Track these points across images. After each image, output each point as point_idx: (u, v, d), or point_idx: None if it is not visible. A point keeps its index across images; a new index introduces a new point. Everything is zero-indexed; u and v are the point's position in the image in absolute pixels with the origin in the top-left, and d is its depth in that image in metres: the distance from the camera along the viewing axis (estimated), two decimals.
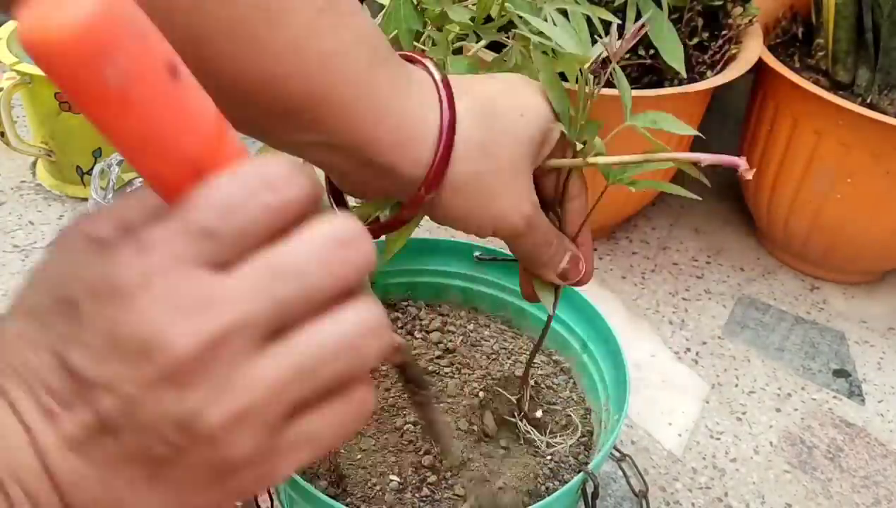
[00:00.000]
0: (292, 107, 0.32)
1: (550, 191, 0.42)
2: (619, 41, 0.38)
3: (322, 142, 0.33)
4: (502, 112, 0.36)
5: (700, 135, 0.46)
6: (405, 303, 0.59)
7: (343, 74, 0.32)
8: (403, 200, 0.37)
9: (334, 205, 0.40)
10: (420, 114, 0.34)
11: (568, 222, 0.42)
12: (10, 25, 0.85)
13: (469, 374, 0.54)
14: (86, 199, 0.88)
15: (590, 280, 0.43)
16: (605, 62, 0.40)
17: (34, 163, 0.92)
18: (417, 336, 0.57)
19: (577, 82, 0.40)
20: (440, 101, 0.35)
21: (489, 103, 0.36)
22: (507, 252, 0.49)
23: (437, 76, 0.35)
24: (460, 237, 0.54)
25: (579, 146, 0.41)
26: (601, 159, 0.41)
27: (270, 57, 0.30)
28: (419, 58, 0.37)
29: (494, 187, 0.36)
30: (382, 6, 0.54)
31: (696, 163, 0.38)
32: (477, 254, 0.58)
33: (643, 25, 0.38)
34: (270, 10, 0.29)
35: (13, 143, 0.83)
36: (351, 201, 0.42)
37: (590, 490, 0.45)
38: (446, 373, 0.54)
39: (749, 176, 0.36)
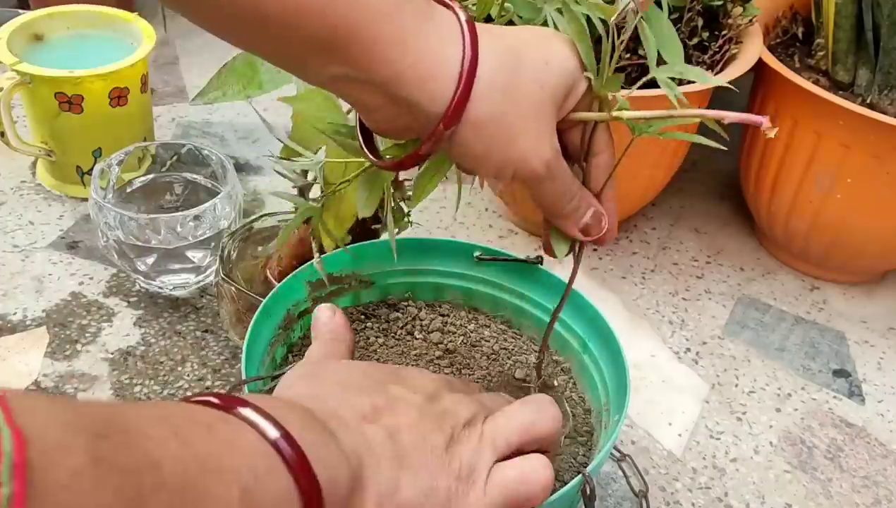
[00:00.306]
0: (324, 40, 0.34)
1: (576, 146, 0.42)
2: None
3: (352, 77, 0.35)
4: (528, 60, 0.37)
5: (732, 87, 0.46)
6: (405, 303, 0.59)
7: (371, 9, 0.33)
8: (422, 134, 0.37)
9: (363, 145, 0.41)
10: (442, 51, 0.35)
11: (593, 177, 0.42)
12: (11, 25, 0.85)
13: (469, 374, 0.54)
14: (86, 199, 0.88)
15: (612, 239, 0.43)
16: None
17: (34, 163, 0.92)
18: (418, 336, 0.57)
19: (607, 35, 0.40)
20: (463, 40, 0.35)
21: (515, 50, 0.37)
22: (508, 252, 0.50)
23: (463, 17, 0.36)
24: (461, 237, 0.54)
25: (607, 98, 0.41)
26: (626, 113, 0.41)
27: None
28: (447, 0, 0.38)
29: (515, 129, 0.36)
30: None
31: (719, 121, 0.38)
32: (477, 253, 0.58)
33: None
34: None
35: (13, 143, 0.83)
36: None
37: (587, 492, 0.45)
38: (447, 374, 0.54)
39: (772, 134, 0.36)
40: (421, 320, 0.58)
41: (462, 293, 0.59)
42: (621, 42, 0.40)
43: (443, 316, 0.59)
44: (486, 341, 0.57)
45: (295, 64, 0.37)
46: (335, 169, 0.51)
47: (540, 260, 0.56)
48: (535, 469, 0.38)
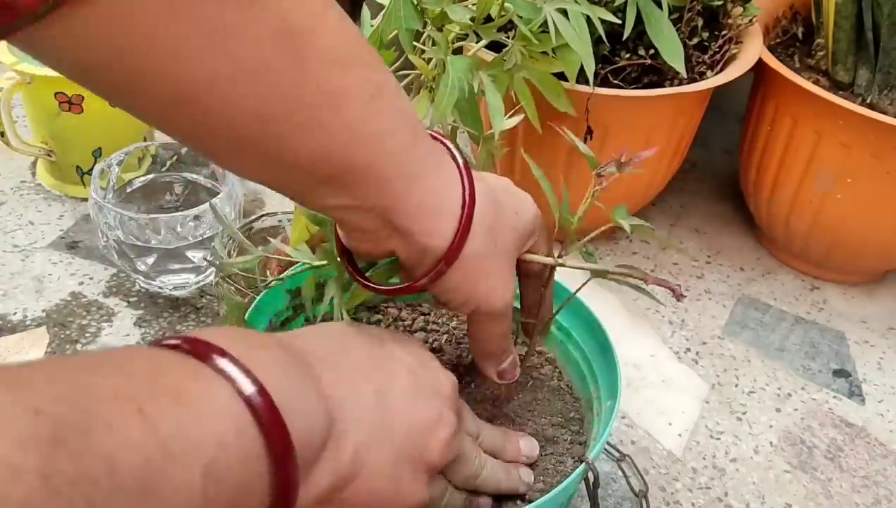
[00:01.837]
0: (335, 175, 0.35)
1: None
2: None
3: (353, 206, 0.37)
4: (505, 204, 0.40)
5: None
6: (385, 305, 0.59)
7: (387, 151, 0.35)
8: (408, 264, 0.40)
9: (349, 269, 0.43)
10: (446, 190, 0.37)
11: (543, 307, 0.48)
12: None
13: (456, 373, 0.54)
14: (86, 199, 0.88)
15: (513, 379, 0.48)
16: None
17: (34, 163, 0.92)
18: None
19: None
20: (462, 181, 0.38)
21: (494, 193, 0.40)
22: None
23: (459, 158, 0.39)
24: None
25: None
26: (571, 261, 0.45)
27: (327, 135, 0.34)
28: (441, 138, 0.40)
29: (491, 269, 0.40)
30: (382, 6, 0.54)
31: (644, 280, 0.42)
32: None
33: None
34: (333, 95, 0.33)
35: (13, 143, 0.83)
36: None
37: (590, 480, 0.45)
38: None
39: (682, 300, 0.42)
40: (403, 320, 0.58)
41: None
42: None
43: (424, 314, 0.59)
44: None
45: (296, 194, 0.38)
46: None
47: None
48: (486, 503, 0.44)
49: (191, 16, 0.29)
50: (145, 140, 0.88)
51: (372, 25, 0.52)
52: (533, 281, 0.47)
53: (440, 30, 0.51)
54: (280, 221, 0.71)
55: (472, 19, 0.50)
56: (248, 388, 0.29)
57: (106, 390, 0.25)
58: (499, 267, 0.40)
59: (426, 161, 0.37)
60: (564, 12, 0.57)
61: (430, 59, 0.52)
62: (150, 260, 0.73)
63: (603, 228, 0.44)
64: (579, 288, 0.50)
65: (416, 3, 0.52)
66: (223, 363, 0.29)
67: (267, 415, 0.28)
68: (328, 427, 0.33)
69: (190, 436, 0.26)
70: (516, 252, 0.42)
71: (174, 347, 0.30)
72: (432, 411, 0.38)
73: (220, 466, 0.27)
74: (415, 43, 0.53)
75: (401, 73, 0.56)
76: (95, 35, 0.29)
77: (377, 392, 0.36)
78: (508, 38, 0.58)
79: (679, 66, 0.69)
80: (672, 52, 0.69)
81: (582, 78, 0.65)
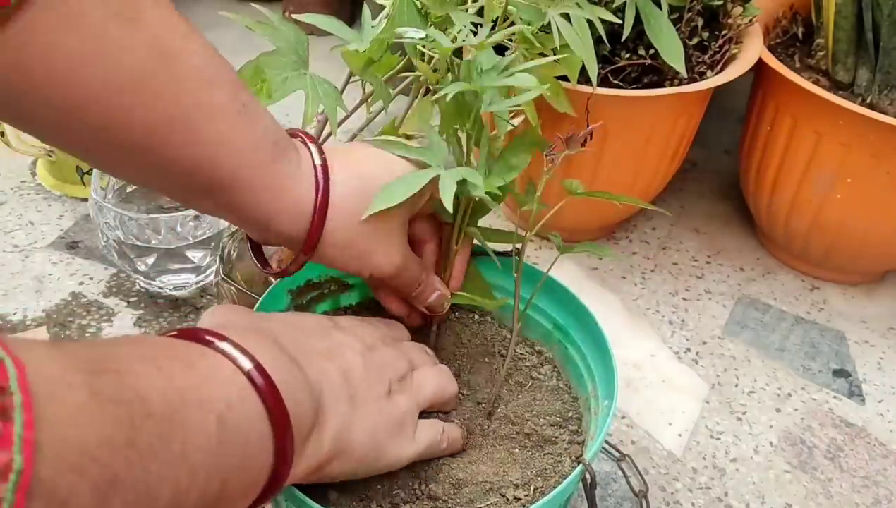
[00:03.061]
0: (211, 183, 0.40)
1: (423, 231, 0.51)
2: None
3: (229, 211, 0.42)
4: (371, 180, 0.44)
5: None
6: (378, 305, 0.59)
7: (252, 164, 0.40)
8: (290, 250, 0.46)
9: (252, 254, 0.49)
10: (309, 195, 0.43)
11: (427, 259, 0.51)
12: None
13: (455, 368, 0.54)
14: (86, 199, 0.88)
15: (442, 312, 0.52)
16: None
17: (34, 163, 0.92)
18: None
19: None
20: (316, 180, 0.43)
21: (364, 177, 0.44)
22: (487, 247, 0.53)
23: (318, 160, 0.43)
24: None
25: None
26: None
27: (202, 146, 0.38)
28: (305, 137, 0.44)
29: (369, 246, 0.44)
30: (382, 7, 0.54)
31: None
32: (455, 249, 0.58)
33: None
34: (206, 108, 0.38)
35: (13, 143, 0.83)
36: None
37: (587, 481, 0.45)
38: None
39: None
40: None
41: None
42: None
43: None
44: (464, 334, 0.57)
45: (187, 203, 0.44)
46: None
47: (517, 252, 0.56)
48: (453, 428, 0.48)
49: (82, 29, 0.33)
50: None
51: (373, 27, 0.52)
52: (430, 236, 0.51)
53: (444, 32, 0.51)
54: None
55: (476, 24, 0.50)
56: (247, 364, 0.33)
57: (127, 354, 0.29)
58: (380, 242, 0.45)
59: (288, 171, 0.42)
60: (567, 16, 0.57)
61: (432, 61, 0.52)
62: (150, 260, 0.73)
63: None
64: (549, 268, 0.51)
65: (419, 6, 0.52)
66: (224, 345, 0.33)
67: (266, 388, 0.33)
68: (316, 409, 0.37)
69: (202, 392, 0.30)
70: (400, 223, 0.46)
71: (175, 337, 0.34)
72: (386, 379, 0.43)
73: (230, 419, 0.30)
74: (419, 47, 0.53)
75: (402, 74, 0.56)
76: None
77: (342, 374, 0.41)
78: (510, 41, 0.58)
79: (679, 65, 0.69)
80: (672, 51, 0.69)
81: (582, 78, 0.65)
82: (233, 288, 0.64)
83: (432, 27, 0.51)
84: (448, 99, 0.41)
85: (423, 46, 0.50)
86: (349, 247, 0.44)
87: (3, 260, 0.80)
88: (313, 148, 0.44)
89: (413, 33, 0.45)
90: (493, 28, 0.46)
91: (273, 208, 0.42)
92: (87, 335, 0.73)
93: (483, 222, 0.52)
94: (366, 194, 0.44)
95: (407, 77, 0.57)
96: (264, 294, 0.53)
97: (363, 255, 0.45)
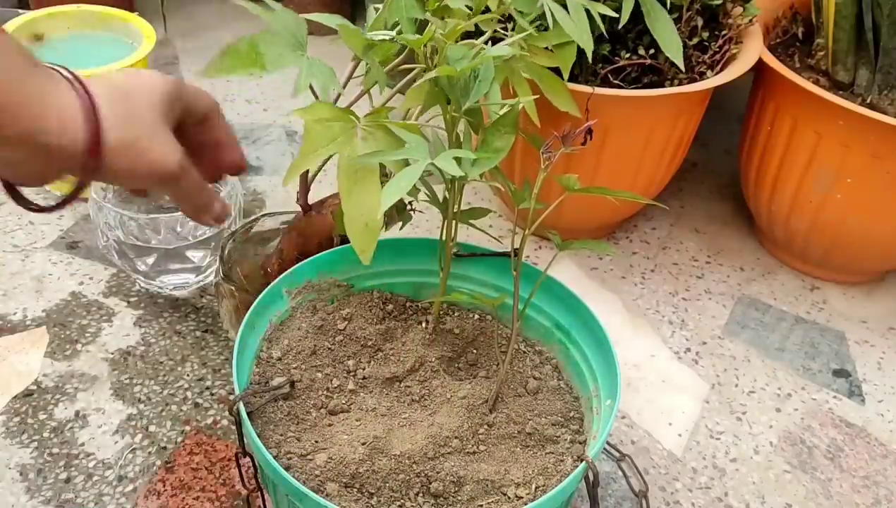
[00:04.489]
0: None
1: (196, 137, 0.52)
2: None
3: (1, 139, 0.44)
4: (136, 92, 0.47)
5: None
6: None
7: (9, 78, 0.42)
8: (70, 174, 0.48)
9: (14, 199, 0.51)
10: (71, 101, 0.45)
11: (217, 133, 0.53)
12: (11, 25, 0.85)
13: (453, 367, 0.54)
14: (86, 199, 0.88)
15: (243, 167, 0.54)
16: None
17: None
18: None
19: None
20: (77, 91, 0.45)
21: (122, 87, 0.47)
22: (485, 248, 0.52)
23: (67, 74, 0.45)
24: (460, 238, 0.54)
25: None
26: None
27: None
28: (55, 67, 0.47)
29: (144, 145, 0.47)
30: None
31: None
32: (455, 250, 0.58)
33: None
34: None
35: None
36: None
37: (590, 479, 0.45)
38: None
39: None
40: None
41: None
42: None
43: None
44: (461, 331, 0.57)
45: None
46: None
47: (516, 252, 0.56)
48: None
49: None
50: None
51: (376, 10, 0.53)
52: (207, 140, 0.53)
53: (442, 19, 0.52)
54: (282, 223, 0.71)
55: (470, 8, 0.50)
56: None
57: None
58: (154, 140, 0.48)
59: (46, 83, 0.44)
60: (564, 5, 0.57)
61: (429, 47, 0.52)
62: (150, 260, 0.72)
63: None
64: (548, 266, 0.51)
65: None
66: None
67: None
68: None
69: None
70: (165, 118, 0.49)
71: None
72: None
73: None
74: (419, 35, 0.53)
75: (403, 67, 0.56)
76: None
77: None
78: (507, 30, 0.58)
79: (677, 59, 0.69)
80: (671, 45, 0.68)
81: (576, 79, 0.65)
82: (233, 287, 0.64)
83: (429, 13, 0.51)
84: (426, 84, 0.42)
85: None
86: (128, 150, 0.46)
87: (3, 261, 0.80)
88: (61, 68, 0.47)
89: (383, 35, 0.47)
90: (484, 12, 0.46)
91: (44, 122, 0.44)
92: (87, 335, 0.73)
93: (484, 226, 0.52)
94: (130, 101, 0.47)
95: (409, 70, 0.57)
96: (262, 293, 0.53)
97: (144, 154, 0.47)
